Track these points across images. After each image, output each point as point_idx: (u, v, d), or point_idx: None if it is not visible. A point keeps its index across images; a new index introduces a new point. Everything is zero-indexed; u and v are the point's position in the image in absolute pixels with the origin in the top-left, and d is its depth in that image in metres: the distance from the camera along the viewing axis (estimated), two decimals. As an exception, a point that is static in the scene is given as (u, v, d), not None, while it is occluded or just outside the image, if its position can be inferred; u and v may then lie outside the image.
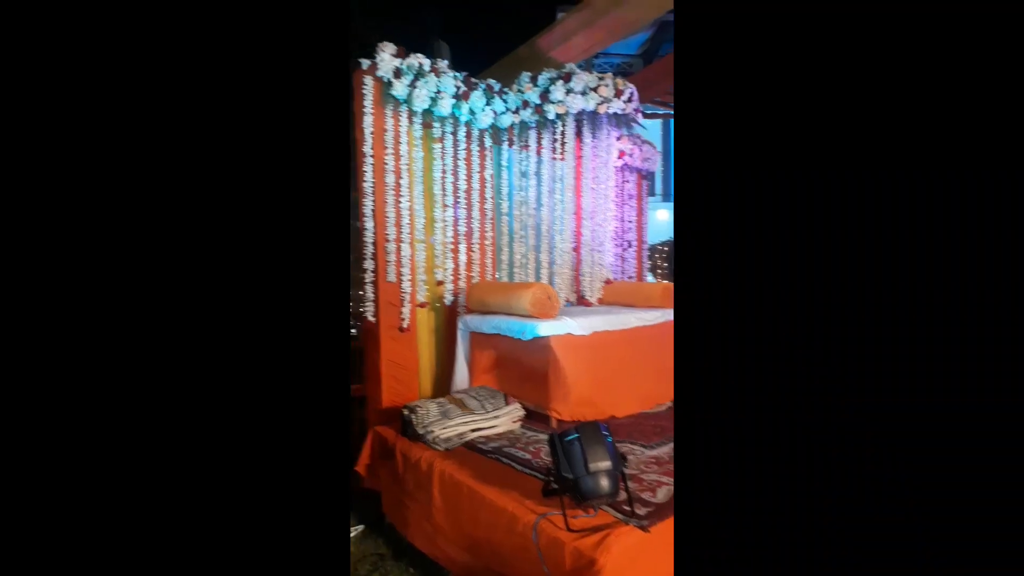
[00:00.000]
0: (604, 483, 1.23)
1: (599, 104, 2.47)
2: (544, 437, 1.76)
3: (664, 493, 1.39)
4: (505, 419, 2.00)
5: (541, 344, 2.02)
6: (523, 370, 2.14)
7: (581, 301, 2.84)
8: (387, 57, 2.12)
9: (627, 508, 1.27)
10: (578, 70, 2.48)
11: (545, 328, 2.00)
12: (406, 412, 1.93)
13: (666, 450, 1.75)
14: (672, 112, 5.57)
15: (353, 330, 3.02)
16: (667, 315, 2.48)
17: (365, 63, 2.14)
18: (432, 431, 1.84)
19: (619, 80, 2.55)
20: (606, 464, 1.24)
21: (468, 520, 1.51)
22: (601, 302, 2.84)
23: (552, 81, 2.44)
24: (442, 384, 2.42)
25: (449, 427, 1.86)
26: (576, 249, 2.86)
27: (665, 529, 1.23)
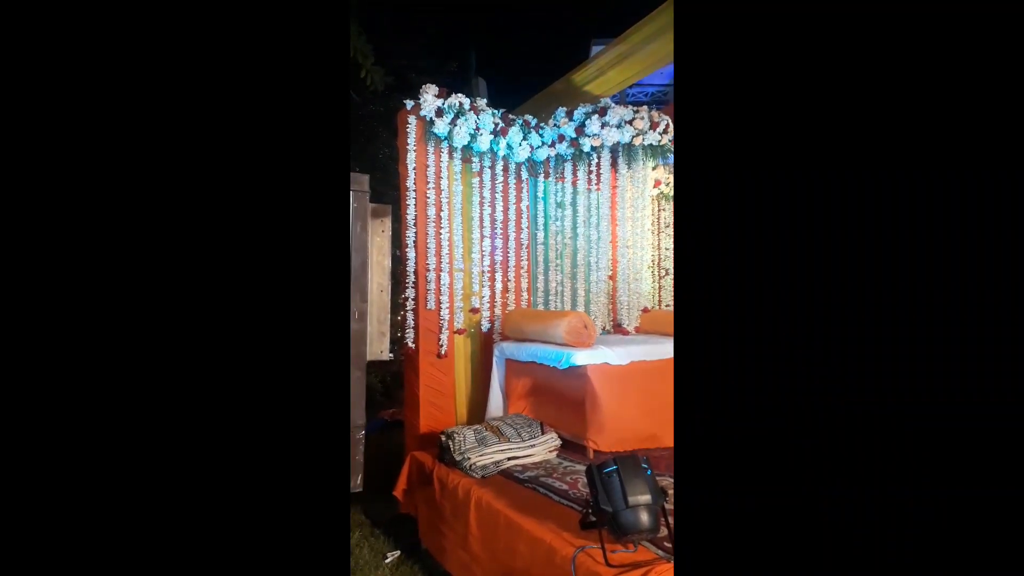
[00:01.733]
0: (644, 517, 1.22)
1: (634, 136, 2.51)
2: (581, 468, 1.75)
3: (706, 530, 1.35)
4: (541, 448, 2.00)
5: (578, 373, 2.02)
6: (559, 399, 2.14)
7: (618, 330, 2.83)
8: (430, 98, 2.25)
9: (668, 544, 1.24)
10: (613, 104, 2.54)
11: (582, 357, 2.01)
12: (443, 438, 1.96)
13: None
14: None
15: (391, 354, 3.10)
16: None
17: (409, 103, 2.27)
18: (469, 458, 1.85)
19: (654, 113, 2.59)
20: (646, 498, 1.23)
21: (504, 549, 1.51)
22: (639, 331, 2.82)
23: (587, 115, 2.51)
24: (478, 411, 2.45)
25: (486, 455, 1.88)
26: (612, 277, 2.87)
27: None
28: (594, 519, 1.29)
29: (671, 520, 1.30)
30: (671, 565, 1.17)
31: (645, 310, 2.91)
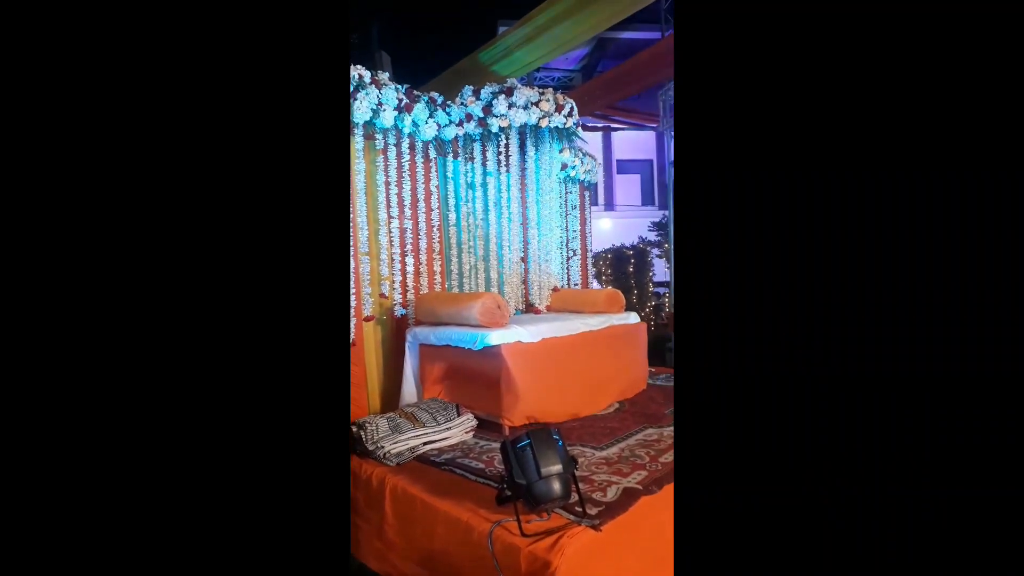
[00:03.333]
0: (556, 486, 1.26)
1: (541, 118, 2.54)
2: (497, 445, 1.77)
3: (614, 492, 1.43)
4: (458, 430, 1.99)
5: (492, 353, 2.03)
6: (474, 380, 2.15)
7: (530, 309, 2.89)
8: (326, 68, 2.09)
9: (579, 509, 1.31)
10: (519, 85, 2.54)
11: (495, 337, 2.02)
12: (355, 428, 1.88)
13: (615, 450, 1.81)
14: (611, 126, 5.82)
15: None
16: (612, 320, 2.57)
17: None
18: (383, 447, 1.80)
19: (559, 95, 2.64)
20: (557, 467, 1.27)
21: (422, 534, 1.49)
22: (550, 309, 2.90)
23: (494, 95, 2.49)
24: (391, 399, 2.38)
25: (400, 441, 1.83)
26: (523, 259, 2.91)
27: (616, 527, 1.27)
28: (509, 493, 1.31)
29: (582, 486, 1.37)
30: (582, 527, 1.23)
31: (555, 289, 3.00)
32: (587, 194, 3.65)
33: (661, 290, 6.22)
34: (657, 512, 1.42)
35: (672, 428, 2.06)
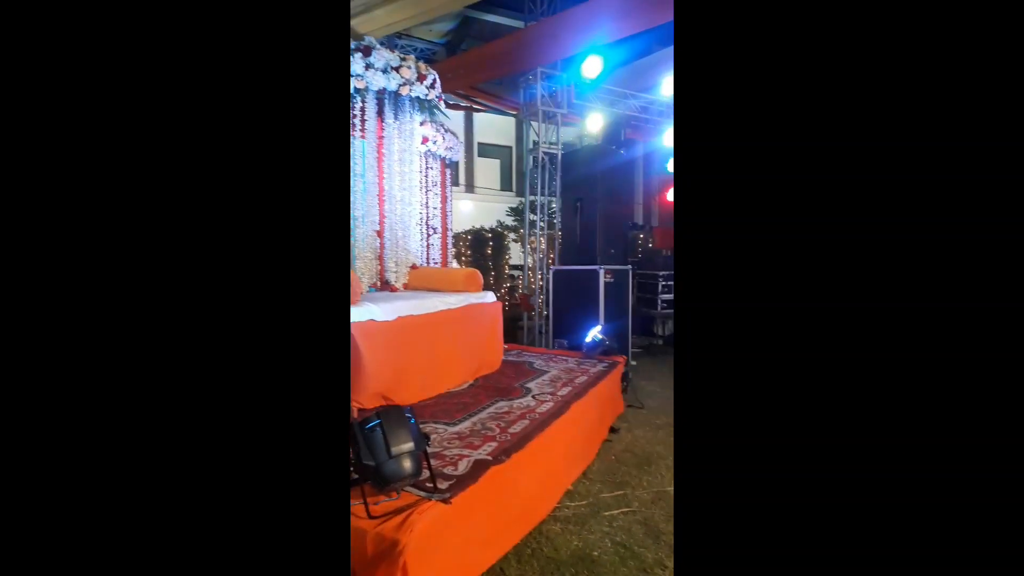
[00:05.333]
0: (407, 464, 1.24)
1: (401, 85, 2.42)
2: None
3: (465, 465, 1.46)
4: (300, 415, 1.83)
5: (341, 331, 1.90)
6: (321, 361, 1.99)
7: (385, 287, 2.77)
8: None
9: (429, 485, 1.30)
10: (379, 45, 2.38)
11: (345, 314, 1.89)
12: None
13: (467, 425, 1.84)
14: (474, 106, 5.83)
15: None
16: (470, 299, 2.60)
17: None
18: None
19: (422, 64, 2.54)
20: (408, 446, 1.25)
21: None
22: (407, 287, 2.82)
23: (350, 52, 2.29)
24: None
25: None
26: (379, 233, 2.77)
27: (467, 498, 1.30)
28: (356, 476, 1.25)
29: (433, 462, 1.36)
30: (432, 503, 1.23)
31: (413, 267, 2.92)
32: (449, 172, 3.61)
33: (516, 272, 6.52)
34: (507, 479, 1.49)
35: (522, 400, 2.18)
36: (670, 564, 1.46)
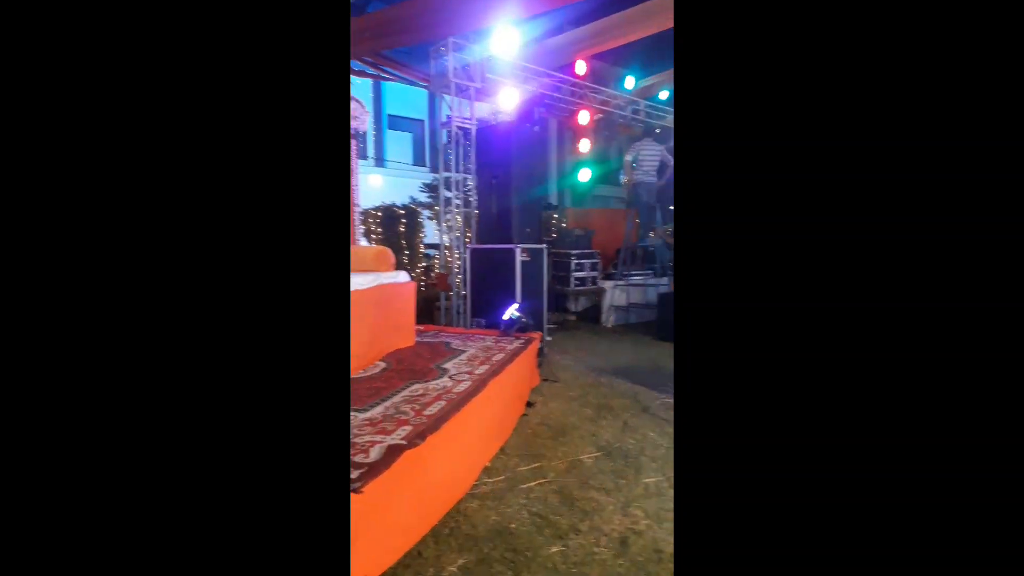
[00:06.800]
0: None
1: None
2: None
3: (377, 452, 1.40)
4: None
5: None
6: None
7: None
8: None
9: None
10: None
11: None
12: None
13: (380, 410, 1.77)
14: (382, 75, 5.50)
15: None
16: (380, 278, 2.48)
17: None
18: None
19: (320, 21, 2.31)
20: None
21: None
22: (310, 267, 2.62)
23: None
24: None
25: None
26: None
27: (379, 486, 1.24)
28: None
29: (343, 451, 1.28)
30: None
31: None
32: (355, 144, 3.38)
33: (432, 252, 6.36)
34: (422, 462, 1.45)
35: (438, 381, 2.13)
36: (583, 527, 1.52)
